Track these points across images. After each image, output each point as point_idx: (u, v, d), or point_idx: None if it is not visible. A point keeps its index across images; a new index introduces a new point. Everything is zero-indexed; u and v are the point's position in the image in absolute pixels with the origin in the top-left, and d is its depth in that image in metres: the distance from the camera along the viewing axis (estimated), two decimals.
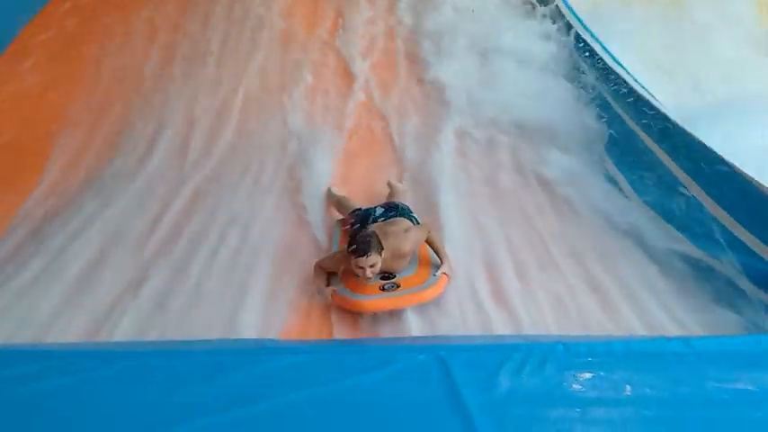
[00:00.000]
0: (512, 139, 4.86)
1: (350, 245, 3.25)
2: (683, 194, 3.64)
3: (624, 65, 4.93)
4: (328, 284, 3.45)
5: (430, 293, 3.30)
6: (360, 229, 3.50)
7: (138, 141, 4.99)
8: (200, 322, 3.31)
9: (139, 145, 4.95)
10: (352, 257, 3.21)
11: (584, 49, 5.33)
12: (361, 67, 5.68)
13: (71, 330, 3.24)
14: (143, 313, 3.34)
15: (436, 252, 3.52)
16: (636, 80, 4.58)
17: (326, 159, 4.67)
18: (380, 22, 6.23)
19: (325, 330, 3.33)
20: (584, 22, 5.58)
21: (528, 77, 5.35)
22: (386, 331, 3.27)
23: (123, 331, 3.24)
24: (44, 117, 5.22)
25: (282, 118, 5.15)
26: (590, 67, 5.12)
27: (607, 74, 4.86)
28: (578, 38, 5.45)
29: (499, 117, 4.99)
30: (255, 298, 3.47)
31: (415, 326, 3.24)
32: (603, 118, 4.66)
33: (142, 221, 4.13)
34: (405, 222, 3.55)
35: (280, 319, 3.37)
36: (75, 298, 3.47)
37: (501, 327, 3.22)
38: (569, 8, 5.74)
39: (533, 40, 5.69)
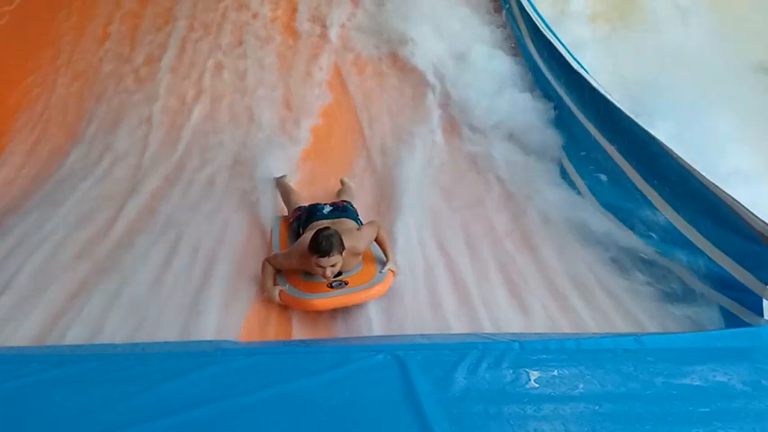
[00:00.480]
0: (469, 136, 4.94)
1: (312, 243, 3.17)
2: (635, 194, 3.71)
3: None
4: (275, 283, 3.42)
5: (377, 290, 3.32)
6: (306, 223, 3.55)
7: (90, 143, 4.88)
8: (155, 325, 3.25)
9: (93, 147, 4.84)
10: (315, 256, 3.16)
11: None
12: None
13: (19, 336, 3.14)
14: (94, 318, 3.26)
15: (383, 249, 3.53)
16: (587, 71, 4.58)
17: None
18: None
19: (284, 330, 3.32)
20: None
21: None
22: (344, 330, 3.28)
23: (73, 337, 3.15)
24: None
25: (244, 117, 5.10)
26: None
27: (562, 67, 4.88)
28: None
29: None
30: (213, 299, 3.42)
31: (374, 325, 3.25)
32: (559, 115, 4.73)
33: (95, 224, 4.04)
34: (352, 223, 3.58)
35: (237, 319, 3.33)
36: (24, 304, 3.37)
37: (459, 325, 3.25)
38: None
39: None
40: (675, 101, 4.51)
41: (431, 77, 5.36)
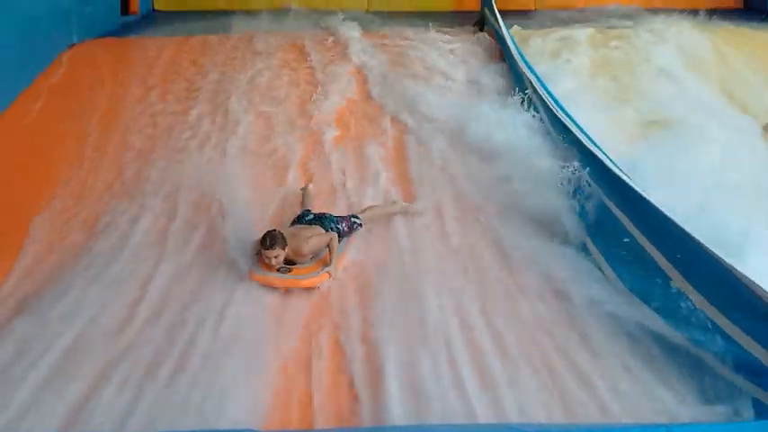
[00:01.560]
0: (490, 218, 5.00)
1: (262, 239, 4.22)
2: (663, 280, 3.72)
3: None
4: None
5: (307, 282, 4.26)
6: (292, 224, 4.67)
7: (116, 224, 4.99)
8: (177, 410, 3.23)
9: (118, 227, 4.95)
10: (261, 248, 4.22)
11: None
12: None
13: (45, 421, 3.14)
14: (119, 406, 3.25)
15: (330, 257, 4.38)
16: (612, 161, 4.69)
17: None
18: None
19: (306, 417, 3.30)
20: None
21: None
22: (368, 419, 3.25)
23: (98, 421, 3.15)
24: (24, 196, 5.22)
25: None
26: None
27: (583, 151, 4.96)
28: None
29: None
30: (235, 383, 3.42)
31: (397, 415, 3.22)
32: (584, 198, 4.77)
33: (119, 306, 4.06)
34: (315, 230, 4.48)
35: (260, 405, 3.32)
36: (50, 387, 3.37)
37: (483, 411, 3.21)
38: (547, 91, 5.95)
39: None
40: None
41: None
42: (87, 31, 7.80)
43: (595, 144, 4.89)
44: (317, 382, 3.52)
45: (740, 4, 10.34)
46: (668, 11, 8.80)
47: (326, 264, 4.37)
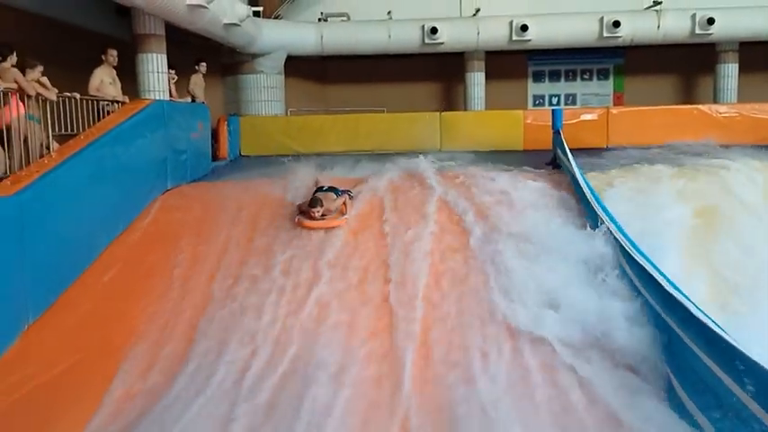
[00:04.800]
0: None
1: (309, 201, 6.93)
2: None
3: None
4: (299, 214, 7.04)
5: (336, 223, 6.89)
6: (316, 192, 7.14)
7: (197, 366, 5.09)
8: None
9: (199, 370, 5.04)
10: (309, 207, 6.85)
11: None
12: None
13: None
14: None
15: (346, 208, 7.09)
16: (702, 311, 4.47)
17: None
18: None
19: None
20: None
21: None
22: None
23: None
24: (113, 338, 5.44)
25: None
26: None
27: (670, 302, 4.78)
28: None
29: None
30: None
31: None
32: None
33: None
34: (331, 195, 7.08)
35: None
36: None
37: None
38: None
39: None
40: None
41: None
42: (181, 177, 8.40)
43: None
44: None
45: None
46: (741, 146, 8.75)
47: (343, 214, 7.00)
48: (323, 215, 6.78)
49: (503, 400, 4.55)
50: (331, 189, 7.23)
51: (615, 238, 5.74)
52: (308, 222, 6.83)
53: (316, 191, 7.22)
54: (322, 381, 4.75)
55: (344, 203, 7.07)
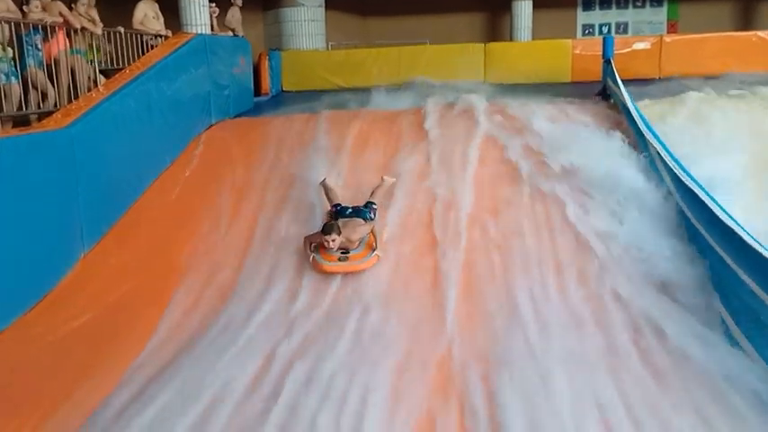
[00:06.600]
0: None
1: (323, 228, 5.29)
2: None
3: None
4: (311, 251, 5.36)
5: (364, 266, 5.24)
6: (335, 218, 5.53)
7: (247, 293, 5.24)
8: None
9: (248, 296, 5.19)
10: (322, 235, 5.19)
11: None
12: None
13: None
14: None
15: (375, 240, 5.39)
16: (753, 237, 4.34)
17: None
18: None
19: None
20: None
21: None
22: None
23: None
24: (164, 269, 5.60)
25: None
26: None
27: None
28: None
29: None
30: None
31: None
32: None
33: (247, 377, 4.18)
34: (358, 221, 5.42)
35: None
36: None
37: None
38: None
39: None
40: None
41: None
42: (224, 112, 8.42)
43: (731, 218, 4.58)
44: None
45: None
46: None
47: (373, 248, 5.34)
48: (345, 250, 5.30)
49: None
50: (357, 210, 5.57)
51: (667, 164, 5.59)
52: (327, 266, 5.21)
53: (338, 211, 5.63)
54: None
55: (373, 232, 5.43)
